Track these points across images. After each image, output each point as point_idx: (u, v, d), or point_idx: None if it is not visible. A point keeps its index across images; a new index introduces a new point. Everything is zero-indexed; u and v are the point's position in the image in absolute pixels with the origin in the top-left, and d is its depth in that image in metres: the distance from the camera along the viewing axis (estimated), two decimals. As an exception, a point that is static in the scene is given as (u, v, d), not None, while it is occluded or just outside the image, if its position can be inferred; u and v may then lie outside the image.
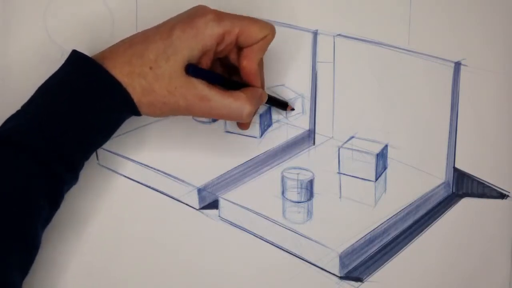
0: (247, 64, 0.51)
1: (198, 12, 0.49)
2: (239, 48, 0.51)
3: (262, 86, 0.54)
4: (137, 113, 0.50)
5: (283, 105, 0.57)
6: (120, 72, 0.48)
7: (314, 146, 0.60)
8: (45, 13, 0.57)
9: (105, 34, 0.57)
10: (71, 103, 0.48)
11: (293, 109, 0.58)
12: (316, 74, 0.58)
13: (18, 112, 0.49)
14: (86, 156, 0.50)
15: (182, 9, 0.55)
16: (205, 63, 0.50)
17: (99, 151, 0.57)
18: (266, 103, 0.55)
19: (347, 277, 0.56)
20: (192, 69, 0.49)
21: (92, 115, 0.48)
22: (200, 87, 0.49)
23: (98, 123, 0.49)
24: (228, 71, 0.54)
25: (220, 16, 0.49)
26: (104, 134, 0.51)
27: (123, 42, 0.50)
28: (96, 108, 0.48)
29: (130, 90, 0.48)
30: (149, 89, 0.48)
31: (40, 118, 0.47)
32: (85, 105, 0.48)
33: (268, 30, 0.50)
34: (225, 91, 0.50)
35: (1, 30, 0.57)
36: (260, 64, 0.53)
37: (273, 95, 0.57)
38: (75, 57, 0.50)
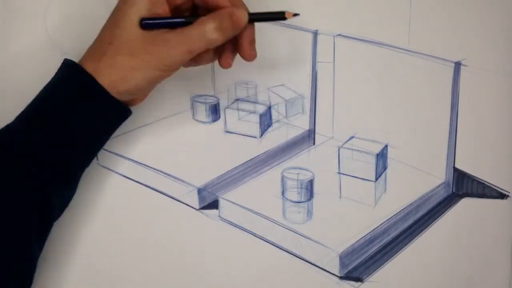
0: None
1: None
2: None
3: (239, 6, 0.49)
4: (120, 106, 0.49)
5: (280, 15, 0.50)
6: (91, 66, 0.48)
7: (314, 146, 0.60)
8: (45, 13, 0.57)
9: (105, 34, 0.57)
10: (54, 108, 0.48)
11: (296, 14, 0.50)
12: (316, 74, 0.58)
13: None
14: (77, 162, 0.49)
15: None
16: (164, 13, 0.49)
17: (100, 151, 0.57)
18: (257, 21, 0.50)
19: (347, 277, 0.56)
20: (146, 23, 0.48)
21: (75, 118, 0.48)
22: (160, 35, 0.47)
23: (84, 125, 0.48)
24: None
25: None
26: (95, 139, 0.50)
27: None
28: (78, 109, 0.48)
29: (103, 80, 0.47)
30: (114, 65, 0.47)
31: (28, 123, 0.47)
32: (67, 108, 0.48)
33: None
34: (187, 26, 0.48)
35: (1, 30, 0.57)
36: None
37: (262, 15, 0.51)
38: (63, 64, 0.50)
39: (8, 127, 0.48)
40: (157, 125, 0.58)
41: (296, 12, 0.50)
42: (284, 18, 0.50)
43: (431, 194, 0.58)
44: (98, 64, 0.47)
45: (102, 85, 0.47)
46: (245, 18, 0.49)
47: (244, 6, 0.50)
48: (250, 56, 0.51)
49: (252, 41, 0.50)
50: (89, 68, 0.47)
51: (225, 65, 0.52)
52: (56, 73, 0.49)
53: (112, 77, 0.47)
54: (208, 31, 0.47)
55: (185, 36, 0.47)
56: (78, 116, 0.48)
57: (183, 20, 0.48)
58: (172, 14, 0.50)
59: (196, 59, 0.50)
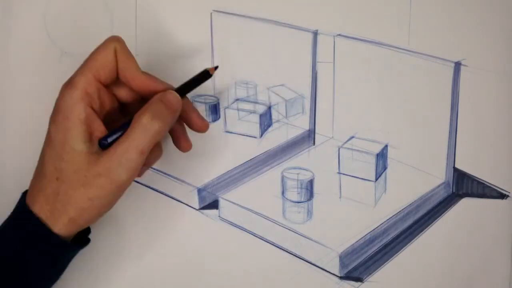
0: (127, 80, 0.47)
1: (60, 98, 0.46)
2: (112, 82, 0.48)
3: (159, 89, 0.48)
4: (75, 246, 0.48)
5: (205, 75, 0.51)
6: (39, 208, 0.45)
7: (314, 146, 0.60)
8: (45, 13, 0.57)
9: (105, 34, 0.57)
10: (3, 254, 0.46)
11: (216, 67, 0.51)
12: (316, 74, 0.58)
13: None
14: None
15: (181, 9, 0.55)
16: (99, 126, 0.46)
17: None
18: (187, 91, 0.50)
19: (347, 277, 0.56)
20: (103, 143, 0.46)
21: (25, 265, 0.45)
22: (103, 151, 0.45)
23: (35, 271, 0.46)
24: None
25: (73, 84, 0.45)
26: (47, 280, 0.48)
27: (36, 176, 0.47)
28: (29, 257, 0.45)
29: (62, 221, 0.45)
30: (70, 201, 0.44)
31: None
32: (17, 255, 0.45)
33: (113, 42, 0.46)
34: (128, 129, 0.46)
35: (1, 30, 0.57)
36: (138, 70, 0.48)
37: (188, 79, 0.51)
38: (18, 206, 0.47)
39: None
40: (157, 125, 0.58)
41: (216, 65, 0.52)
42: (210, 76, 0.51)
43: (431, 194, 0.58)
44: (54, 205, 0.45)
45: (58, 233, 0.45)
46: (177, 98, 0.47)
47: (168, 86, 0.48)
48: (203, 126, 0.50)
49: (196, 111, 0.50)
50: (43, 211, 0.45)
51: (186, 148, 0.51)
52: (11, 215, 0.47)
53: (71, 214, 0.45)
54: (147, 123, 0.45)
55: (130, 139, 0.45)
56: (29, 263, 0.45)
57: (125, 123, 0.46)
58: (106, 117, 0.48)
59: (146, 161, 0.47)
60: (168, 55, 0.57)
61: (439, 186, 0.58)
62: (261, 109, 0.58)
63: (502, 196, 0.57)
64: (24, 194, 0.48)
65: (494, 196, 0.57)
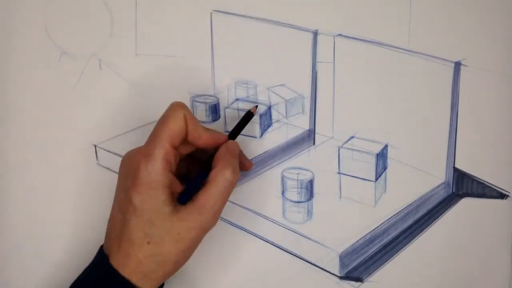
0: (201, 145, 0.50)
1: (131, 168, 0.48)
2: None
3: (220, 141, 0.52)
4: None
5: (249, 115, 0.55)
6: (132, 274, 0.47)
7: (314, 146, 0.60)
8: (45, 13, 0.57)
9: (105, 34, 0.57)
10: None
11: (257, 106, 0.56)
12: (316, 74, 0.58)
13: None
14: None
15: (181, 9, 0.55)
16: (175, 183, 0.49)
17: (99, 151, 0.57)
18: (237, 134, 0.54)
19: (347, 277, 0.56)
20: (181, 198, 0.49)
21: None
22: (190, 208, 0.48)
23: None
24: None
25: (153, 157, 0.47)
26: None
27: (119, 238, 0.48)
28: None
29: (142, 282, 0.47)
30: (161, 262, 0.47)
31: None
32: None
33: (181, 109, 0.49)
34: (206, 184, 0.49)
35: (1, 30, 0.57)
36: (203, 129, 0.51)
37: (236, 122, 0.55)
38: (98, 257, 0.50)
39: None
40: (157, 125, 0.58)
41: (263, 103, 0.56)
42: (253, 115, 0.54)
43: (431, 194, 0.58)
44: (148, 267, 0.47)
45: None
46: (235, 145, 0.52)
47: (223, 135, 0.52)
48: (250, 166, 0.55)
49: (242, 154, 0.54)
50: (135, 274, 0.47)
51: (249, 167, 0.55)
52: (94, 277, 0.49)
53: (166, 270, 0.48)
54: (230, 177, 0.48)
55: (216, 192, 0.48)
56: None
57: (202, 174, 0.50)
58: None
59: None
60: (168, 55, 0.57)
61: (439, 186, 0.58)
62: (261, 109, 0.58)
63: (502, 196, 0.57)
64: (101, 256, 0.49)
65: (494, 196, 0.57)
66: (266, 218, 0.57)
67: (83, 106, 0.57)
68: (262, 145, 0.59)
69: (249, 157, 0.58)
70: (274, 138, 0.59)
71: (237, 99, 0.59)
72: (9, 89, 0.56)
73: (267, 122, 0.59)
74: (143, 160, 0.47)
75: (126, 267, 0.47)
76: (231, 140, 0.52)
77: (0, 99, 0.56)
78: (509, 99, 0.57)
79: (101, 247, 0.50)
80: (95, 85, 0.57)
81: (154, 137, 0.48)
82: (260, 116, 0.58)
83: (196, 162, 0.53)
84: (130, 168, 0.48)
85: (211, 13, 0.57)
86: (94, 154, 0.57)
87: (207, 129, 0.51)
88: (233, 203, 0.58)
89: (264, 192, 0.58)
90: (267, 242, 0.57)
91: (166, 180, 0.47)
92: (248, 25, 0.57)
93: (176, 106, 0.49)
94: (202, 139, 0.50)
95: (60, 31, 0.57)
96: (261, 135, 0.59)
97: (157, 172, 0.47)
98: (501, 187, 0.57)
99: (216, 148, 0.51)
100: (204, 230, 0.49)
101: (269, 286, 0.57)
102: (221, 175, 0.48)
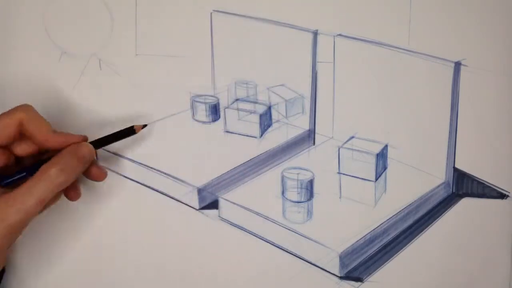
0: (37, 136, 0.49)
1: None
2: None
3: (76, 141, 0.51)
4: None
5: (129, 131, 0.54)
6: None
7: (314, 146, 0.60)
8: (45, 13, 0.57)
9: (105, 34, 0.57)
10: None
11: (145, 125, 0.55)
12: (316, 74, 0.58)
13: None
14: None
15: (181, 9, 0.55)
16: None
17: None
18: (105, 144, 0.53)
19: (347, 277, 0.56)
20: (5, 182, 0.48)
21: None
22: (4, 196, 0.46)
23: None
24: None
25: None
26: None
27: None
28: None
29: None
30: None
31: None
32: None
33: (19, 113, 0.49)
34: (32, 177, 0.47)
35: (1, 30, 0.57)
36: (49, 132, 0.50)
37: (114, 131, 0.54)
38: None
39: None
40: (157, 125, 0.58)
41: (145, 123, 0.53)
42: (134, 133, 0.53)
43: (431, 194, 0.58)
44: None
45: None
46: (90, 151, 0.50)
47: (84, 137, 0.51)
48: (102, 176, 0.53)
49: (96, 164, 0.53)
50: None
51: (74, 198, 0.53)
52: None
53: None
54: (54, 175, 0.47)
55: (32, 187, 0.46)
56: None
57: (32, 167, 0.49)
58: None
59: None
60: (168, 55, 0.57)
61: (439, 186, 0.58)
62: (261, 109, 0.58)
63: (502, 196, 0.57)
64: None
65: (494, 196, 0.57)
66: (266, 218, 0.57)
67: (83, 106, 0.57)
68: (262, 145, 0.59)
69: (249, 157, 0.58)
70: (274, 138, 0.59)
71: (237, 99, 0.59)
72: (9, 89, 0.56)
73: (267, 122, 0.59)
74: None
75: None
76: (84, 144, 0.51)
77: (0, 99, 0.56)
78: (509, 99, 0.57)
79: None
80: (95, 85, 0.57)
81: None
82: (260, 116, 0.58)
83: None
84: None
85: (211, 13, 0.57)
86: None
87: (57, 132, 0.50)
88: (233, 203, 0.58)
89: (264, 192, 0.58)
90: (267, 242, 0.57)
91: None
92: (248, 25, 0.57)
93: (17, 108, 0.49)
94: (49, 142, 0.50)
95: (60, 31, 0.57)
96: (261, 135, 0.59)
97: None
98: (501, 187, 0.57)
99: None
100: (7, 226, 0.45)
101: (269, 286, 0.57)
102: (45, 171, 0.47)
